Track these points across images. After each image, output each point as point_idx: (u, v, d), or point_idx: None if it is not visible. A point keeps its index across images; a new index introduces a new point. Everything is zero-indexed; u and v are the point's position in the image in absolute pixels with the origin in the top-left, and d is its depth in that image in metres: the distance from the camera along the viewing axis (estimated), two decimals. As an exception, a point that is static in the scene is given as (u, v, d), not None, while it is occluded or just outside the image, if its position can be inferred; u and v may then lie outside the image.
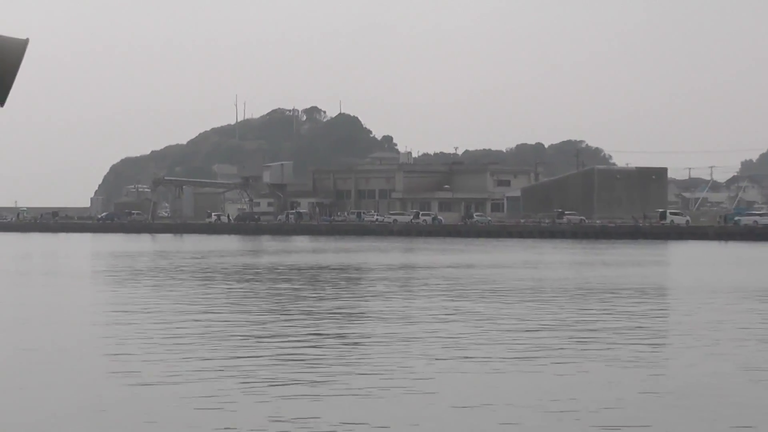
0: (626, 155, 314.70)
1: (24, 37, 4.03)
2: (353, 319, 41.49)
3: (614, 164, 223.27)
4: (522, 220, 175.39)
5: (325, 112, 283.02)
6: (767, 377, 27.18)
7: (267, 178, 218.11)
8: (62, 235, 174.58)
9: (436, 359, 29.89)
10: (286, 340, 34.15)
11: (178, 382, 25.88)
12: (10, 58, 3.86)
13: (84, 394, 25.15)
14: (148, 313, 43.31)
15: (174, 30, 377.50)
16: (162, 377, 26.82)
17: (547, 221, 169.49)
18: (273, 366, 28.78)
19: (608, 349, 31.97)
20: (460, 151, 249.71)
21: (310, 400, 23.87)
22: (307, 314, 42.95)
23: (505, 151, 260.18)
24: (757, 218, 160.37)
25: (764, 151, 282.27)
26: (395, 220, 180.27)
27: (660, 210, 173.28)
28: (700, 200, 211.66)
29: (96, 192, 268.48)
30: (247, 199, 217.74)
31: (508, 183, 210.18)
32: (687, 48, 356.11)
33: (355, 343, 33.75)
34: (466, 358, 30.09)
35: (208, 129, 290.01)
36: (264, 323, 39.26)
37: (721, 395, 24.67)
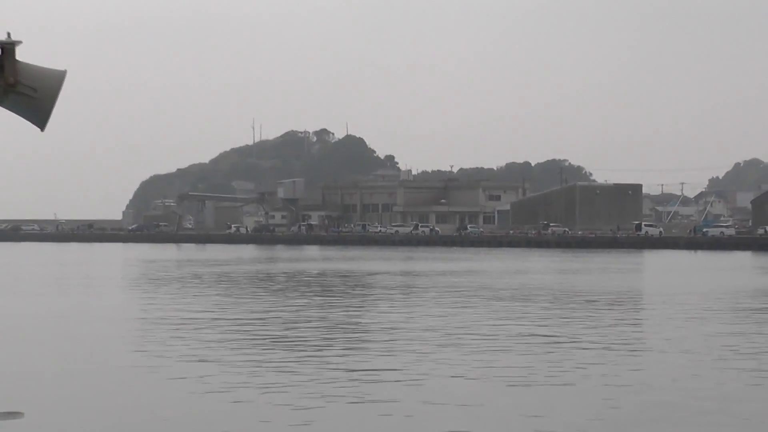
0: (605, 173, 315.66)
1: (62, 69, 4.07)
2: (364, 315, 42.24)
3: (594, 181, 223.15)
4: (511, 231, 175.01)
5: (333, 133, 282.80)
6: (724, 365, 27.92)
7: (281, 193, 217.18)
8: (96, 245, 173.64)
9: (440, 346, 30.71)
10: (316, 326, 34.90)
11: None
12: (50, 87, 4.02)
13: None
14: (175, 309, 43.74)
15: (197, 59, 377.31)
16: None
17: (533, 232, 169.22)
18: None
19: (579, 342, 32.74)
20: (455, 169, 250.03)
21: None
22: (322, 309, 43.57)
23: (495, 168, 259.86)
24: (723, 230, 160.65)
25: (729, 169, 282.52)
26: (397, 231, 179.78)
27: (636, 222, 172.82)
28: (671, 213, 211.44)
29: (127, 206, 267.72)
30: (263, 213, 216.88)
31: (498, 198, 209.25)
32: (660, 77, 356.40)
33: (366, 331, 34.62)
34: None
35: (228, 149, 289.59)
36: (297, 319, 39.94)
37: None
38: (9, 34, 3.81)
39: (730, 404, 22.42)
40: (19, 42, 3.79)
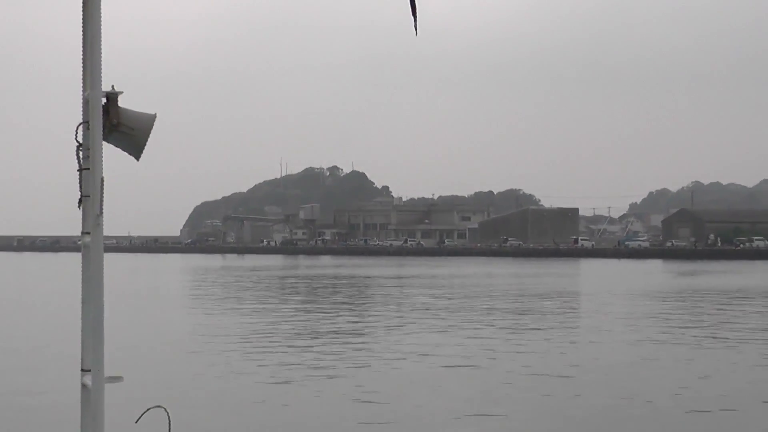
0: (551, 199, 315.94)
1: (153, 113, 4.11)
2: (367, 309, 42.51)
3: (542, 205, 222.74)
4: (479, 244, 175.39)
5: (342, 169, 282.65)
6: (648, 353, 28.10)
7: (302, 215, 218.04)
8: (162, 255, 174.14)
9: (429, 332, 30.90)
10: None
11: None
12: (144, 127, 4.01)
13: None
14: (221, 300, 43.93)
15: (237, 109, 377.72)
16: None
17: (495, 245, 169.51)
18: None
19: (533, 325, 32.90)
20: (435, 196, 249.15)
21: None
22: (334, 306, 43.80)
23: (467, 196, 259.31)
24: (640, 243, 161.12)
25: (645, 196, 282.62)
26: (391, 244, 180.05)
27: (574, 237, 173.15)
28: (601, 230, 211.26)
29: (184, 224, 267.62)
30: (288, 230, 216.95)
31: (469, 218, 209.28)
32: (592, 126, 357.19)
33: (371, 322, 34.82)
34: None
35: (261, 181, 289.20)
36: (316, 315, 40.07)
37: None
38: (113, 87, 3.90)
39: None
40: (121, 92, 3.88)
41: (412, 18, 3.69)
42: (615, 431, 16.35)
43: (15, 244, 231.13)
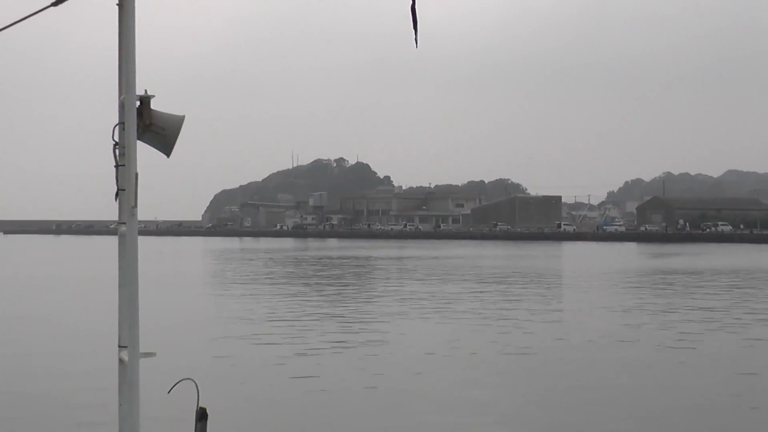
0: (536, 188, 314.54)
1: (182, 114, 4.08)
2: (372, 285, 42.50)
3: (529, 193, 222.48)
4: (471, 229, 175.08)
5: (348, 160, 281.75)
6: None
7: (311, 202, 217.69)
8: (184, 238, 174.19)
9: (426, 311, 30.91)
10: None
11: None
12: (174, 127, 4.02)
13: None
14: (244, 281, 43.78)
15: (253, 107, 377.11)
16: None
17: (486, 229, 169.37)
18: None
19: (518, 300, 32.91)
20: (432, 185, 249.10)
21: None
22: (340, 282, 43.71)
23: (460, 185, 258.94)
24: (617, 227, 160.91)
25: (621, 185, 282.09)
26: (392, 229, 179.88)
27: (557, 222, 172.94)
28: (582, 216, 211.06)
29: (205, 210, 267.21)
30: (299, 216, 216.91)
31: (462, 205, 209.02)
32: (573, 123, 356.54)
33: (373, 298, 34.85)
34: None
35: (275, 171, 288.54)
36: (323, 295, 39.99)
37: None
38: (146, 91, 3.91)
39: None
40: (153, 96, 3.89)
41: (414, 31, 3.69)
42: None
43: (54, 228, 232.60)
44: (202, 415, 3.82)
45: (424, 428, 13.53)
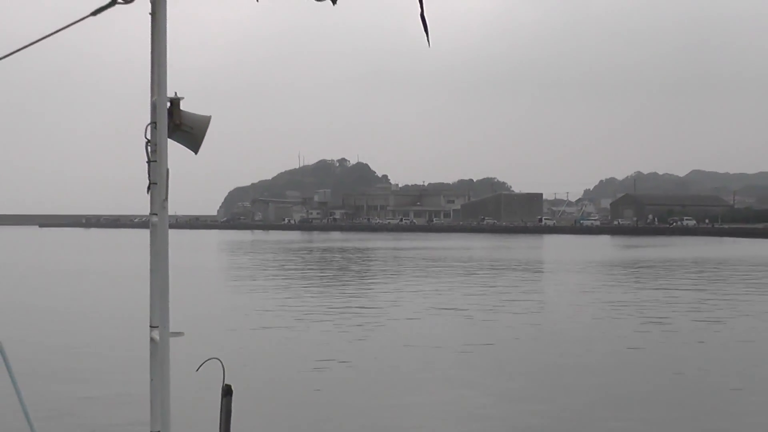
0: (520, 186, 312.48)
1: (208, 115, 3.97)
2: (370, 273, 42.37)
3: (513, 191, 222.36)
4: (461, 223, 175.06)
5: (349, 160, 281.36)
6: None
7: (316, 198, 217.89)
8: (203, 231, 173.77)
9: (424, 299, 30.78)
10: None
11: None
12: (201, 127, 3.93)
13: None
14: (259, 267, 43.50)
15: (264, 112, 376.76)
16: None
17: (474, 223, 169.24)
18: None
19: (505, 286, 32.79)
20: (426, 183, 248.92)
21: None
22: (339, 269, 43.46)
23: (451, 183, 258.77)
24: (593, 221, 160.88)
25: (596, 183, 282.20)
26: (389, 222, 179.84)
27: (539, 217, 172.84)
28: (561, 212, 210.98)
29: (219, 206, 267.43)
30: (305, 211, 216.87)
31: (453, 201, 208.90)
32: (553, 124, 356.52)
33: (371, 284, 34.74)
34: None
35: (283, 170, 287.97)
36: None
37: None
38: (176, 93, 3.87)
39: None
40: (182, 98, 3.84)
41: (425, 33, 3.68)
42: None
43: (83, 221, 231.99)
44: (227, 392, 3.78)
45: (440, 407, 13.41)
